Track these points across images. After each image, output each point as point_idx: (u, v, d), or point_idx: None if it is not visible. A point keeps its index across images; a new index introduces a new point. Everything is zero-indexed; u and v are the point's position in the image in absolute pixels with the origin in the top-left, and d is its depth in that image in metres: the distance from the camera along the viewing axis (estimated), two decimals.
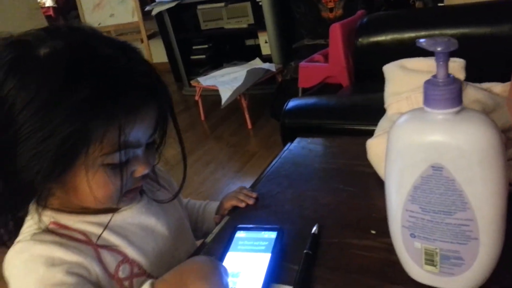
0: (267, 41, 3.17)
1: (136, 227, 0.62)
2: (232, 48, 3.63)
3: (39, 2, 3.49)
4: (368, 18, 1.65)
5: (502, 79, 0.71)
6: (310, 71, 2.17)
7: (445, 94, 0.42)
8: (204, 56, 3.56)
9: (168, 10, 3.31)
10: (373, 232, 0.61)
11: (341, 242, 0.61)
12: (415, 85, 0.66)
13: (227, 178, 2.29)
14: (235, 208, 0.75)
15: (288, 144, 0.93)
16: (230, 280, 0.54)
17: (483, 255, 0.46)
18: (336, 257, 0.58)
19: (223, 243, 0.63)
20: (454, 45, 0.41)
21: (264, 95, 3.02)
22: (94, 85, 0.49)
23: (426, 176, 0.44)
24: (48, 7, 4.09)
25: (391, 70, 0.73)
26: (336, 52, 2.02)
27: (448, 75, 0.43)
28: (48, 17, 3.72)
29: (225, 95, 2.63)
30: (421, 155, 0.44)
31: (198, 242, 0.71)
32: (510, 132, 0.65)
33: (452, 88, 0.42)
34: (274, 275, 0.56)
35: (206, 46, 3.56)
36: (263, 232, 0.63)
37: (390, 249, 0.53)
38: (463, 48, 0.44)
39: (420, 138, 0.44)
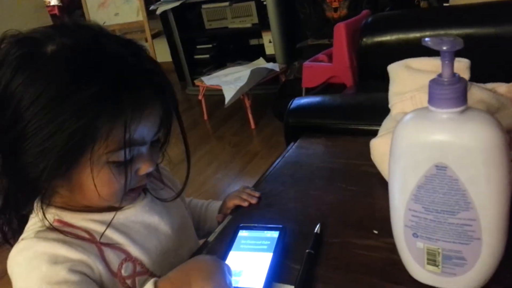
0: (271, 40, 3.16)
1: (139, 226, 0.62)
2: (236, 47, 3.63)
3: (44, 1, 3.50)
4: (372, 18, 1.65)
5: (507, 79, 0.71)
6: (314, 71, 2.17)
7: (450, 93, 0.42)
8: (208, 56, 3.56)
9: (172, 9, 3.32)
10: (376, 231, 0.61)
11: (343, 241, 0.61)
12: (419, 84, 0.66)
13: (229, 178, 2.29)
14: (238, 207, 0.75)
15: (292, 143, 0.93)
16: (232, 279, 0.54)
17: (486, 255, 0.46)
18: (338, 257, 0.58)
19: (225, 242, 0.63)
20: (459, 44, 0.41)
21: (268, 95, 3.01)
22: (100, 82, 0.49)
23: (429, 176, 0.44)
24: (53, 6, 4.11)
25: (395, 69, 0.73)
26: (340, 52, 2.01)
27: (453, 74, 0.42)
28: (53, 16, 3.73)
29: (229, 94, 2.63)
30: (425, 154, 0.44)
31: (201, 241, 0.71)
32: None
33: (457, 87, 0.42)
34: (276, 274, 0.56)
35: (210, 45, 3.55)
36: (265, 232, 0.63)
37: (392, 248, 0.53)
38: (467, 48, 0.44)
39: (425, 137, 0.44)
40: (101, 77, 0.49)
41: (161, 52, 3.71)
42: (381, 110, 0.76)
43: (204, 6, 3.35)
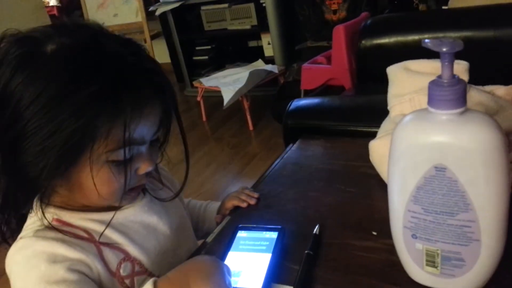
0: (270, 42, 3.17)
1: (138, 225, 0.62)
2: (235, 49, 3.63)
3: (43, 1, 3.49)
4: (371, 20, 1.65)
5: (505, 82, 0.72)
6: (312, 73, 2.17)
7: (449, 94, 0.42)
8: (206, 57, 3.56)
9: (172, 10, 3.32)
10: (374, 233, 0.61)
11: (342, 242, 0.61)
12: (418, 87, 0.66)
13: (228, 179, 2.29)
14: (236, 208, 0.75)
15: (291, 145, 0.93)
16: (231, 280, 0.54)
17: (485, 257, 0.46)
18: (337, 258, 0.58)
19: (224, 242, 0.63)
20: (459, 46, 0.41)
21: (266, 97, 3.01)
22: (100, 81, 0.49)
23: (429, 177, 0.44)
24: (52, 6, 4.11)
25: (394, 71, 0.73)
26: (339, 54, 2.02)
27: (453, 76, 0.43)
28: (52, 16, 3.73)
29: (227, 96, 2.63)
30: (424, 155, 0.44)
31: (199, 242, 0.71)
32: None
33: (457, 89, 0.42)
34: (275, 275, 0.56)
35: (209, 47, 3.56)
36: (264, 232, 0.63)
37: (391, 250, 0.53)
38: (466, 51, 0.44)
39: (424, 139, 0.44)
40: (100, 76, 0.49)
41: (160, 53, 3.71)
42: (380, 112, 0.76)
43: (203, 7, 3.36)
